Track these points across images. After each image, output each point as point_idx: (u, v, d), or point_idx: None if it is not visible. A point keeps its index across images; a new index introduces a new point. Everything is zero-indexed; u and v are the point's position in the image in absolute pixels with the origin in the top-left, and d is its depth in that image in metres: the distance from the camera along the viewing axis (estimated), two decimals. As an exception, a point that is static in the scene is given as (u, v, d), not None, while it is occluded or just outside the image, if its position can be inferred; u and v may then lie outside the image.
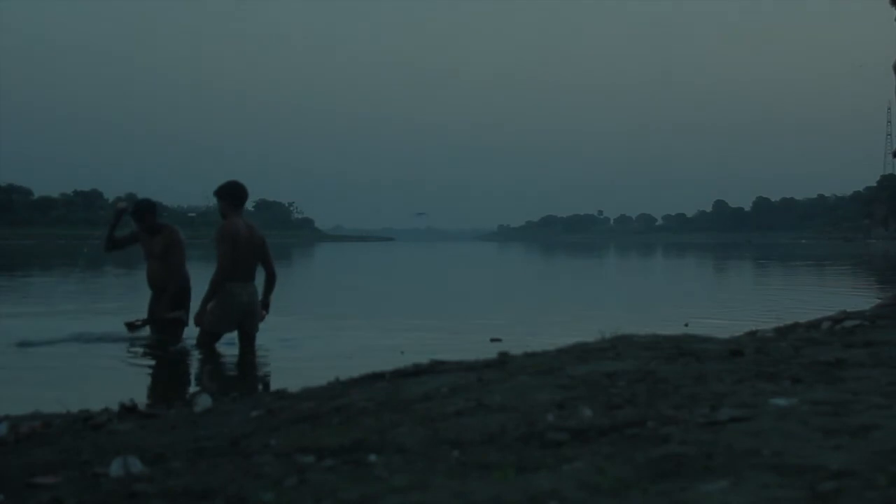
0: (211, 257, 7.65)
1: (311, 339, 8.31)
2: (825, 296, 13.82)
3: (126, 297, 8.19)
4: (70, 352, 7.34)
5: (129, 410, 3.12)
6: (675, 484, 1.46)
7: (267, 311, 7.51)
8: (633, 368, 2.58)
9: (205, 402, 3.14)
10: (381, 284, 20.99)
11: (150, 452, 2.21)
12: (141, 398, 5.17)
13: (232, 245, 7.16)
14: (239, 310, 7.22)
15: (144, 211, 8.02)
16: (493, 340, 6.93)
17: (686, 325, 7.46)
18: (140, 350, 7.53)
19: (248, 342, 7.31)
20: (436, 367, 2.97)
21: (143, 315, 8.02)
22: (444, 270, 29.74)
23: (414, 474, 1.63)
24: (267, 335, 8.31)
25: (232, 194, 7.35)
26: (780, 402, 2.02)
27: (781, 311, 9.08)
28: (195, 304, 7.45)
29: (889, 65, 5.42)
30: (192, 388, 6.02)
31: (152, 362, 7.19)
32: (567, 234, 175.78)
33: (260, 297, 7.46)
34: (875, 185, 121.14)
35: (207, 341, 7.25)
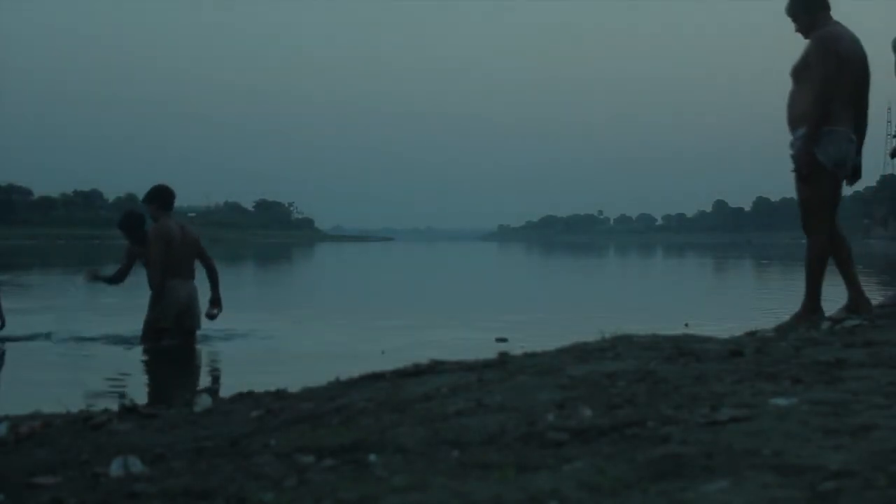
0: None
1: (310, 339, 8.31)
2: (825, 296, 13.81)
3: (126, 296, 8.19)
4: (70, 352, 7.34)
5: (129, 410, 3.12)
6: (675, 484, 1.46)
7: (219, 307, 7.73)
8: (633, 368, 2.58)
9: (205, 402, 3.14)
10: (383, 284, 21.00)
11: (150, 452, 2.21)
12: (141, 398, 5.18)
13: (165, 246, 7.39)
14: (177, 307, 7.42)
15: (130, 226, 8.00)
16: (498, 340, 6.93)
17: (686, 325, 7.45)
18: (140, 350, 7.54)
19: (188, 338, 7.51)
20: (436, 367, 2.97)
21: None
22: (444, 271, 29.74)
23: (414, 474, 1.63)
24: (262, 333, 8.32)
25: (159, 198, 7.57)
26: (780, 402, 2.02)
27: (781, 312, 9.07)
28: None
29: (888, 66, 5.44)
30: (193, 389, 6.03)
31: (152, 362, 7.20)
32: (567, 234, 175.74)
33: (210, 294, 7.69)
34: (875, 185, 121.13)
35: (150, 336, 7.41)
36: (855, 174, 5.18)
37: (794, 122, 5.00)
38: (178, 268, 7.44)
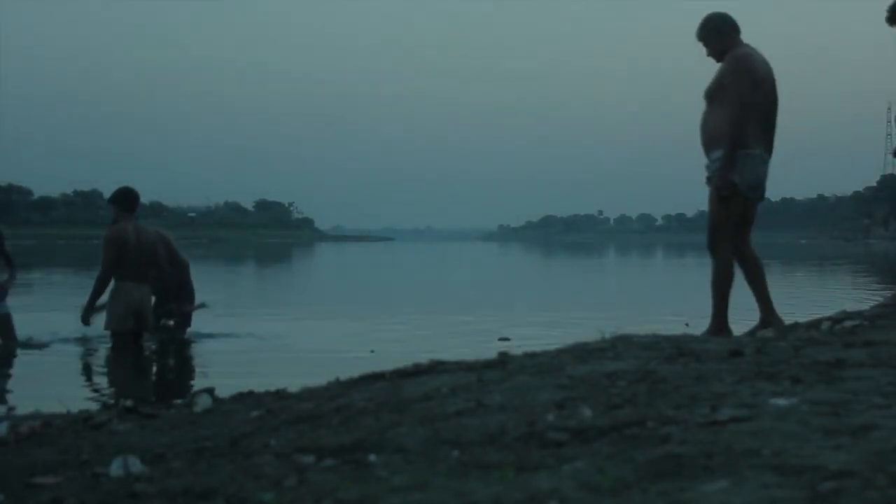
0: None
1: (312, 339, 8.31)
2: (825, 296, 13.83)
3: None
4: (70, 352, 7.34)
5: (129, 410, 3.12)
6: (675, 484, 1.46)
7: (175, 315, 8.00)
8: (633, 368, 2.58)
9: (205, 402, 3.14)
10: (384, 284, 21.00)
11: (150, 452, 2.22)
12: (141, 398, 5.18)
13: (118, 249, 7.53)
14: (132, 307, 7.55)
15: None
16: (501, 340, 6.94)
17: (686, 325, 7.45)
18: (142, 349, 7.55)
19: (136, 339, 7.63)
20: (436, 367, 2.97)
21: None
22: (445, 271, 29.74)
23: (414, 474, 1.63)
24: (262, 333, 8.33)
25: (119, 201, 7.74)
26: (780, 402, 2.02)
27: (782, 311, 9.06)
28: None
29: (889, 65, 5.44)
30: (192, 389, 6.03)
31: (152, 362, 7.21)
32: (567, 234, 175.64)
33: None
34: (875, 185, 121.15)
35: (121, 343, 7.44)
36: (762, 194, 5.26)
37: (708, 144, 5.06)
38: (131, 271, 7.57)
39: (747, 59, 4.97)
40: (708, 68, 5.18)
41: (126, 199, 7.73)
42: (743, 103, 4.87)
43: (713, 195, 5.04)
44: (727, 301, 5.10)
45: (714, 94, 5.02)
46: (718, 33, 5.11)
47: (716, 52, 5.11)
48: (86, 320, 7.56)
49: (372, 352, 6.87)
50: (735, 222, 5.09)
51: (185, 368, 7.18)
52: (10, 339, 7.52)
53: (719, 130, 4.94)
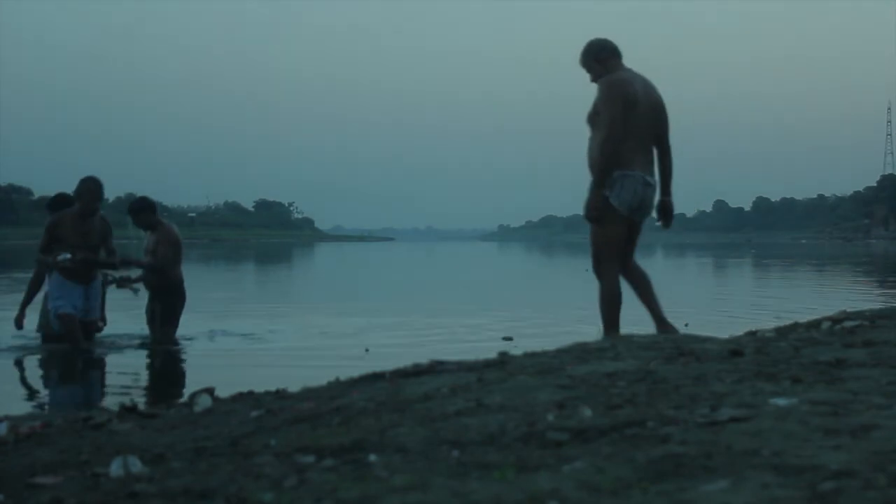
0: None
1: (311, 339, 8.31)
2: (825, 296, 13.83)
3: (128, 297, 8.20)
4: (69, 352, 7.33)
5: (129, 410, 3.12)
6: (675, 484, 1.46)
7: (104, 322, 7.95)
8: (633, 368, 2.58)
9: (205, 402, 3.14)
10: (387, 284, 21.00)
11: (150, 452, 2.21)
12: (141, 398, 5.19)
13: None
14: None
15: (138, 210, 8.19)
16: (504, 339, 6.95)
17: (686, 325, 7.45)
18: (139, 350, 7.55)
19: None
20: (436, 367, 2.97)
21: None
22: (446, 270, 29.74)
23: (414, 474, 1.63)
24: (261, 333, 8.33)
25: (58, 205, 7.93)
26: (780, 402, 2.02)
27: (781, 311, 9.08)
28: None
29: (891, 63, 5.46)
30: (192, 388, 6.03)
31: (150, 362, 7.21)
32: (567, 234, 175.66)
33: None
34: (875, 185, 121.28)
35: (51, 336, 7.54)
36: (667, 214, 5.29)
37: (591, 168, 5.10)
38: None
39: (618, 83, 5.03)
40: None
41: (58, 204, 7.91)
42: (612, 126, 4.91)
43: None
44: (617, 324, 5.13)
45: (593, 119, 5.08)
46: (596, 60, 5.20)
47: (597, 77, 5.19)
48: (18, 323, 7.73)
49: (367, 351, 6.88)
50: (619, 245, 5.15)
51: (183, 368, 7.18)
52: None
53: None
